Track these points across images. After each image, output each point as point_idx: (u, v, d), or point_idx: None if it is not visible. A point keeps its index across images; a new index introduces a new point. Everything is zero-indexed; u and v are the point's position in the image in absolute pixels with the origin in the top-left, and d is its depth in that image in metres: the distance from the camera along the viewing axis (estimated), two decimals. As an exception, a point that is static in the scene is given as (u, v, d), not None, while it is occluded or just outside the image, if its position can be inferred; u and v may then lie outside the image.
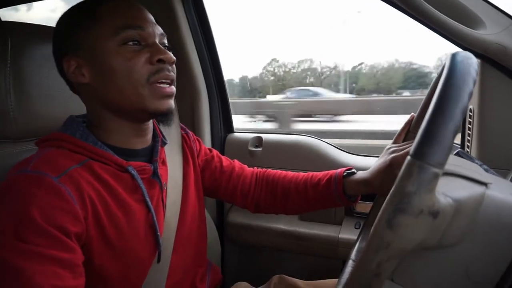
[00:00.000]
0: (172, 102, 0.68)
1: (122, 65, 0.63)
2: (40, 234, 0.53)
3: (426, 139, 0.36)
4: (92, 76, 0.65)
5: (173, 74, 0.68)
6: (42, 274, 0.52)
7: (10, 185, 0.56)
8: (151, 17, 0.69)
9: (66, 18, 0.68)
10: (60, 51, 0.67)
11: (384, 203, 0.38)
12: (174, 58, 0.67)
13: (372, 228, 0.39)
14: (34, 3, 1.53)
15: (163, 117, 0.68)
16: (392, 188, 0.37)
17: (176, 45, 1.27)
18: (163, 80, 0.66)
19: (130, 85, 0.63)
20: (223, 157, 0.96)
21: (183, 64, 1.31)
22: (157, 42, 0.67)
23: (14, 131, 0.76)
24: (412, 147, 0.37)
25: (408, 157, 0.36)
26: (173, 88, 0.69)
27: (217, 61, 1.41)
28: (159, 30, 0.69)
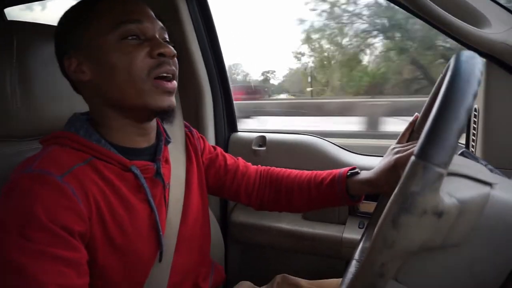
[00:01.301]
0: (173, 99, 0.68)
1: (122, 60, 0.63)
2: (45, 232, 0.53)
3: (430, 139, 0.35)
4: (93, 73, 0.65)
5: (174, 68, 0.67)
6: (47, 273, 0.52)
7: (14, 184, 0.57)
8: (151, 12, 0.69)
9: (66, 17, 0.68)
10: (61, 50, 0.68)
11: (389, 203, 0.38)
12: (175, 51, 0.67)
13: (376, 228, 0.39)
14: (48, 3, 1.54)
15: (164, 114, 0.67)
16: (396, 188, 0.37)
17: (180, 43, 1.27)
18: (164, 75, 0.65)
19: (130, 80, 0.63)
20: (227, 155, 0.96)
21: (186, 63, 1.31)
22: (157, 36, 0.67)
23: (19, 129, 0.77)
24: (416, 147, 0.37)
25: (412, 157, 0.36)
26: (175, 83, 0.68)
27: (221, 59, 1.41)
28: (158, 24, 0.69)
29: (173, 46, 0.68)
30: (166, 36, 0.70)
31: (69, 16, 0.68)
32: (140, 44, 0.64)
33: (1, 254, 0.53)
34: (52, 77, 0.78)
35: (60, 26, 0.69)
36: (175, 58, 0.69)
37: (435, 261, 0.44)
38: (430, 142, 0.35)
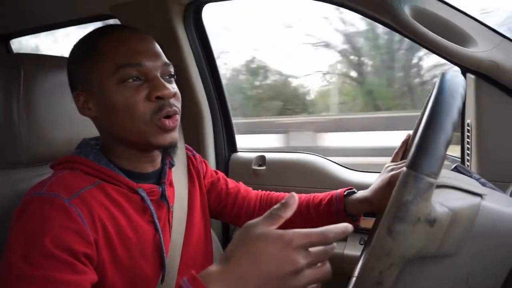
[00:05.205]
0: (175, 135, 0.69)
1: (123, 103, 0.64)
2: (49, 258, 0.53)
3: (419, 151, 0.38)
4: (97, 111, 0.68)
5: (175, 108, 0.68)
6: None
7: (24, 208, 0.58)
8: (154, 47, 0.69)
9: (74, 53, 0.70)
10: (72, 84, 0.70)
11: (384, 213, 0.40)
12: (174, 91, 0.67)
13: (374, 237, 0.40)
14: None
15: (166, 150, 0.70)
16: (391, 198, 0.39)
17: (179, 68, 1.30)
18: (165, 115, 0.66)
19: (132, 122, 0.65)
20: (228, 180, 0.97)
21: (186, 87, 1.33)
22: (158, 75, 0.67)
23: (25, 156, 0.79)
24: (407, 159, 0.39)
25: (404, 168, 0.39)
26: (176, 119, 0.69)
27: (219, 82, 1.43)
28: (161, 61, 0.68)
29: (173, 70, 0.70)
30: (171, 69, 0.71)
31: (76, 53, 0.70)
32: (140, 86, 0.65)
33: (4, 278, 0.53)
34: (58, 105, 0.81)
35: (70, 61, 0.71)
36: (177, 93, 0.70)
37: (432, 271, 0.45)
38: (419, 153, 0.38)
